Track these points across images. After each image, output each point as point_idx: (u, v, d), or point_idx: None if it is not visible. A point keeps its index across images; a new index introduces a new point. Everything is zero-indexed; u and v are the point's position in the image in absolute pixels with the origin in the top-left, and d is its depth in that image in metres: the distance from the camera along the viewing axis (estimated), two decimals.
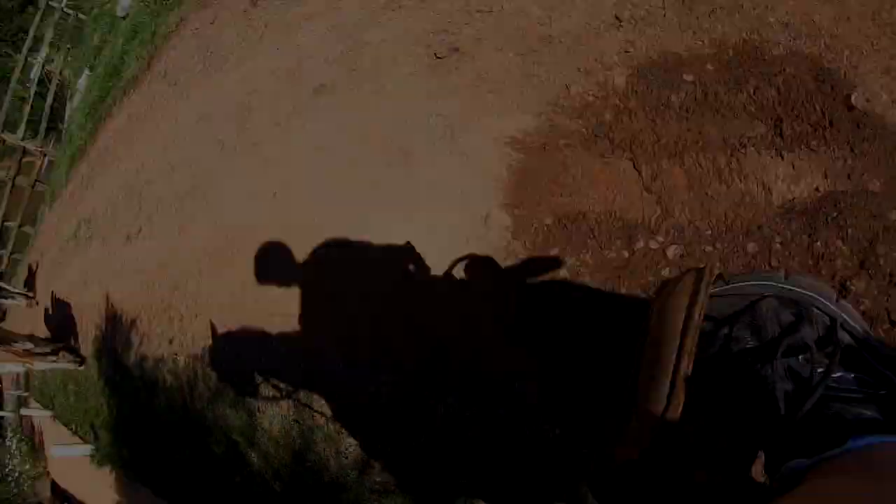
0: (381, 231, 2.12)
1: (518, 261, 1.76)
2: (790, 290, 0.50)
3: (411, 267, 2.00)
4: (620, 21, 1.49)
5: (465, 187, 1.90)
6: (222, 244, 3.04)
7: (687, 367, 0.45)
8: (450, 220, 1.91)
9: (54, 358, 5.01)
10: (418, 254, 1.99)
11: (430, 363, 1.87)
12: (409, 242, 2.03)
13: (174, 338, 3.43)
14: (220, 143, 3.29)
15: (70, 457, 4.40)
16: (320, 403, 2.12)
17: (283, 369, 2.33)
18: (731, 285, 0.52)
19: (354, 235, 2.21)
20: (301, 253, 2.43)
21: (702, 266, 0.49)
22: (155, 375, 3.57)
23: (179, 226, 3.67)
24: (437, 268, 1.93)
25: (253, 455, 2.43)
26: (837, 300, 0.51)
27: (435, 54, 2.07)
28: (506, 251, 1.79)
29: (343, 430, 2.00)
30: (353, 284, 2.17)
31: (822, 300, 0.50)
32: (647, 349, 0.50)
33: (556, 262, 1.62)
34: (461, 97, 1.94)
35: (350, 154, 2.33)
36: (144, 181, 4.52)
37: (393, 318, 2.02)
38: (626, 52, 1.49)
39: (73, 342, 5.48)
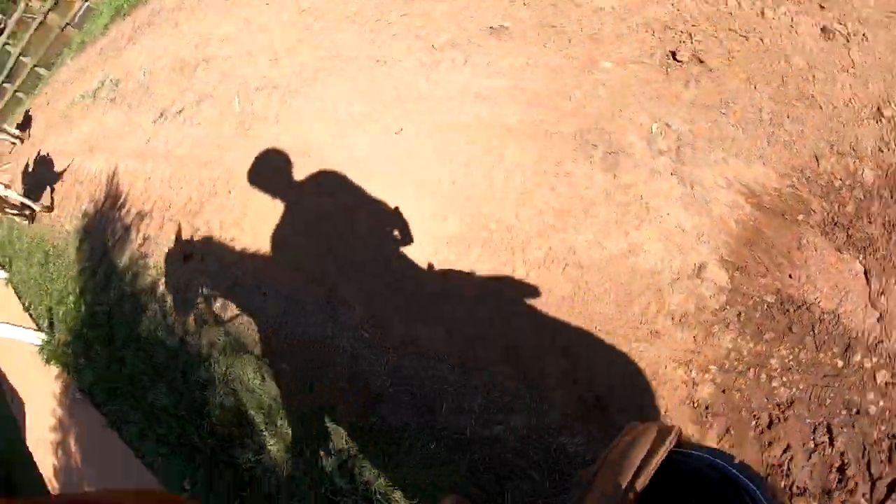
0: (550, 224, 1.58)
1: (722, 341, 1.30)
2: (736, 474, 0.59)
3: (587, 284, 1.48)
4: (882, 115, 1.39)
5: (683, 223, 1.48)
6: (299, 162, 2.45)
7: (634, 499, 0.55)
8: (653, 254, 1.51)
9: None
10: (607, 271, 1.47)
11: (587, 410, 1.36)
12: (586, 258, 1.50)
13: (195, 252, 2.82)
14: (333, 50, 2.67)
15: (14, 339, 3.74)
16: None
17: (401, 369, 1.77)
18: (688, 451, 0.62)
19: (504, 215, 1.67)
20: (419, 215, 1.88)
21: (671, 425, 0.62)
22: (152, 292, 2.95)
23: (239, 122, 3.05)
24: (625, 307, 1.41)
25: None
26: (773, 496, 0.58)
27: (673, 54, 1.70)
28: (716, 316, 1.39)
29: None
30: (486, 279, 1.64)
31: (758, 493, 0.57)
32: (604, 470, 0.59)
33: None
34: (697, 117, 1.59)
35: (527, 118, 1.79)
36: (203, 58, 3.85)
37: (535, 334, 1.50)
38: (880, 150, 1.38)
39: (48, 202, 4.85)
